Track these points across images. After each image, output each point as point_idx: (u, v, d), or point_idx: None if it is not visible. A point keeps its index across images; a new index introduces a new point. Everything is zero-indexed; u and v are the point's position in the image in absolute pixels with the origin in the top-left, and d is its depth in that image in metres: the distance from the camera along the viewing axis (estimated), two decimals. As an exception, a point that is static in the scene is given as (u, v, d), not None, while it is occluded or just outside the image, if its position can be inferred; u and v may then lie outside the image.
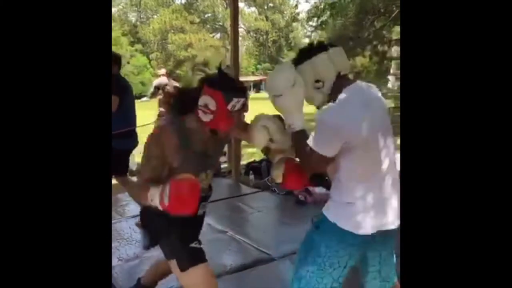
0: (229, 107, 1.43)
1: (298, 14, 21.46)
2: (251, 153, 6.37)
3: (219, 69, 1.49)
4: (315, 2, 13.48)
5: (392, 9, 11.88)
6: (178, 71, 30.15)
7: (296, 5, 39.78)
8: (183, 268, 1.53)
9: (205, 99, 1.43)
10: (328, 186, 4.23)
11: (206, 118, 1.45)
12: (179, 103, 1.53)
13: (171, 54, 35.95)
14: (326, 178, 4.39)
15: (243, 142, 6.04)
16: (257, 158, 5.34)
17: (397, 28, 15.16)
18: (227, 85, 1.45)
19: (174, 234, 1.57)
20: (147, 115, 5.09)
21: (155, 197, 1.35)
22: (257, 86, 39.61)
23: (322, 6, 13.18)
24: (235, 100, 1.43)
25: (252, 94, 20.54)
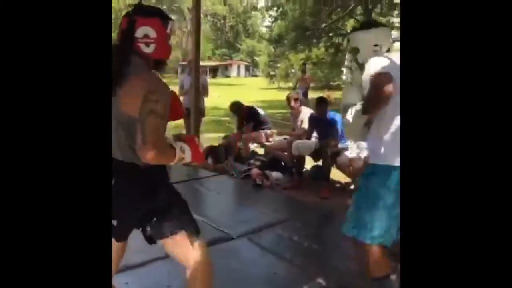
0: (168, 31, 1.49)
1: (257, 3, 21.47)
2: (209, 138, 6.42)
3: (139, 3, 1.55)
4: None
5: (349, 2, 12.24)
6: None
7: (255, -7, 39.68)
8: (194, 238, 1.52)
9: (143, 30, 1.44)
10: (283, 171, 4.43)
11: (149, 49, 1.45)
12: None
13: (124, 34, 34.40)
14: (283, 163, 4.58)
15: (202, 127, 6.08)
16: (215, 143, 5.41)
17: (352, 22, 15.66)
18: (157, 10, 1.52)
19: (182, 202, 1.57)
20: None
21: (187, 151, 1.46)
22: (214, 71, 39.22)
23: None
24: (170, 23, 1.50)
25: (209, 79, 20.42)
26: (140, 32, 1.44)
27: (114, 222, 1.48)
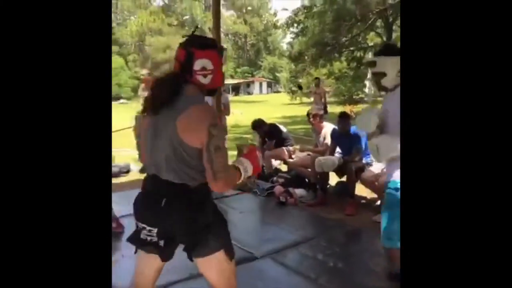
0: (222, 60, 1.54)
1: (277, 21, 21.78)
2: (232, 156, 6.44)
3: (194, 34, 1.57)
4: (293, 10, 13.78)
5: (369, 16, 12.20)
6: (156, 74, 30.00)
7: (275, 13, 40.26)
8: (232, 255, 1.56)
9: (201, 63, 1.48)
10: (307, 188, 4.37)
11: (206, 80, 1.50)
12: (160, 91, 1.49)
13: (148, 56, 35.64)
14: (306, 180, 4.53)
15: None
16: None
17: (372, 35, 15.61)
18: (212, 42, 1.58)
19: (224, 222, 1.58)
20: (124, 118, 4.88)
21: (249, 169, 1.51)
22: (236, 89, 39.66)
23: (301, 13, 13.45)
24: (224, 52, 1.56)
25: (231, 97, 20.75)
26: (198, 64, 1.48)
27: (161, 243, 1.48)
